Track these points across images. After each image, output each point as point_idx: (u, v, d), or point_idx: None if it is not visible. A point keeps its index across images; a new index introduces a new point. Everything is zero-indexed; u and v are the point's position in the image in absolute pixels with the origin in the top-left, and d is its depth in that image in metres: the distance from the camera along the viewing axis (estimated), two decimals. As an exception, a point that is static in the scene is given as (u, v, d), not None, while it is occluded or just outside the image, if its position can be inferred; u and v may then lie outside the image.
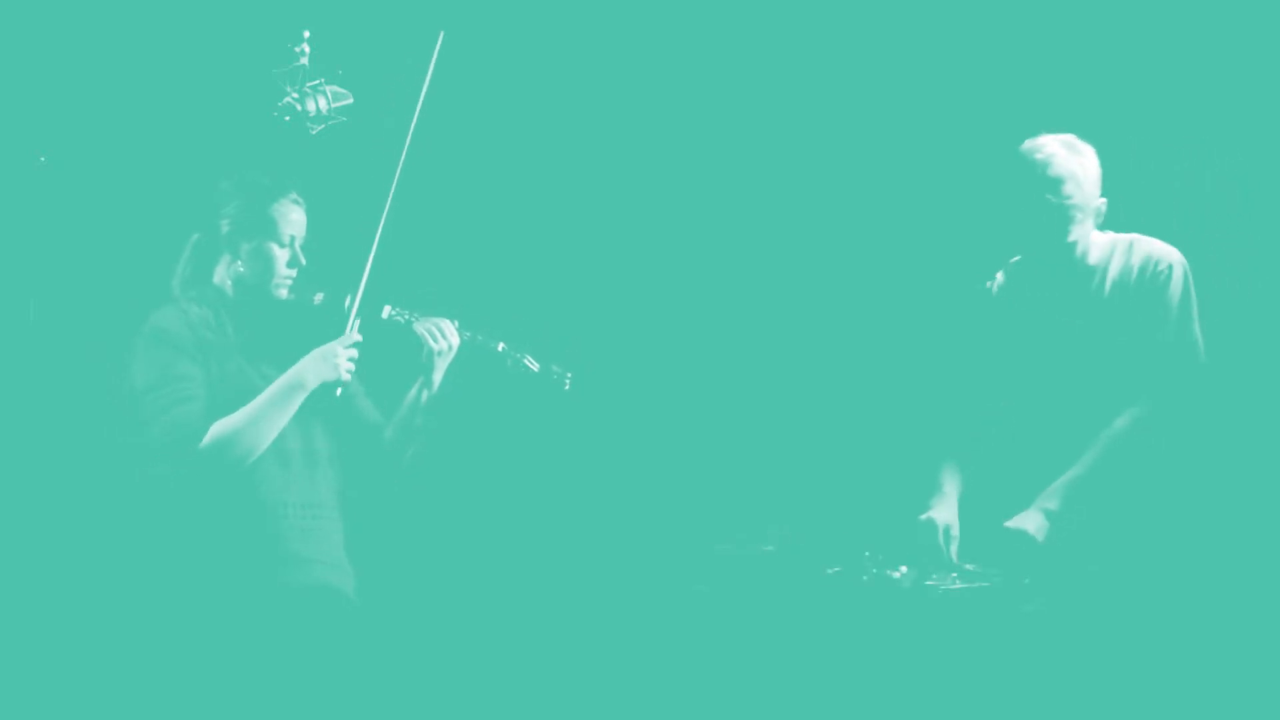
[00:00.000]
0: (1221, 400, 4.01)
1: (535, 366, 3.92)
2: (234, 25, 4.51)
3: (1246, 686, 3.77)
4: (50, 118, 4.41)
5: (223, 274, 3.85)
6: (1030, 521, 3.85)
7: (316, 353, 3.76)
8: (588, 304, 4.84)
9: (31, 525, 4.19)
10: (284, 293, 3.84)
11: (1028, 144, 3.91)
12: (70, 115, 4.45)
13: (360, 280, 3.80)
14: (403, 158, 3.86)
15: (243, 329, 3.81)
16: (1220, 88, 4.46)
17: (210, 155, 4.29)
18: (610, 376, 4.59)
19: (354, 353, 3.78)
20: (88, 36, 4.53)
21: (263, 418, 3.70)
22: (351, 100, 3.92)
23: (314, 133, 3.90)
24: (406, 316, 3.87)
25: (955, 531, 3.94)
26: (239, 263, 3.82)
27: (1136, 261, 3.95)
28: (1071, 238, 3.91)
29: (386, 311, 3.85)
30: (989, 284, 4.15)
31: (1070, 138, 3.92)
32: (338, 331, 3.79)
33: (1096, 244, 3.98)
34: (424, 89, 3.88)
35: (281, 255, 3.83)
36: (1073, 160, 3.88)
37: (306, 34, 3.90)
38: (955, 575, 3.82)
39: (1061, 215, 3.88)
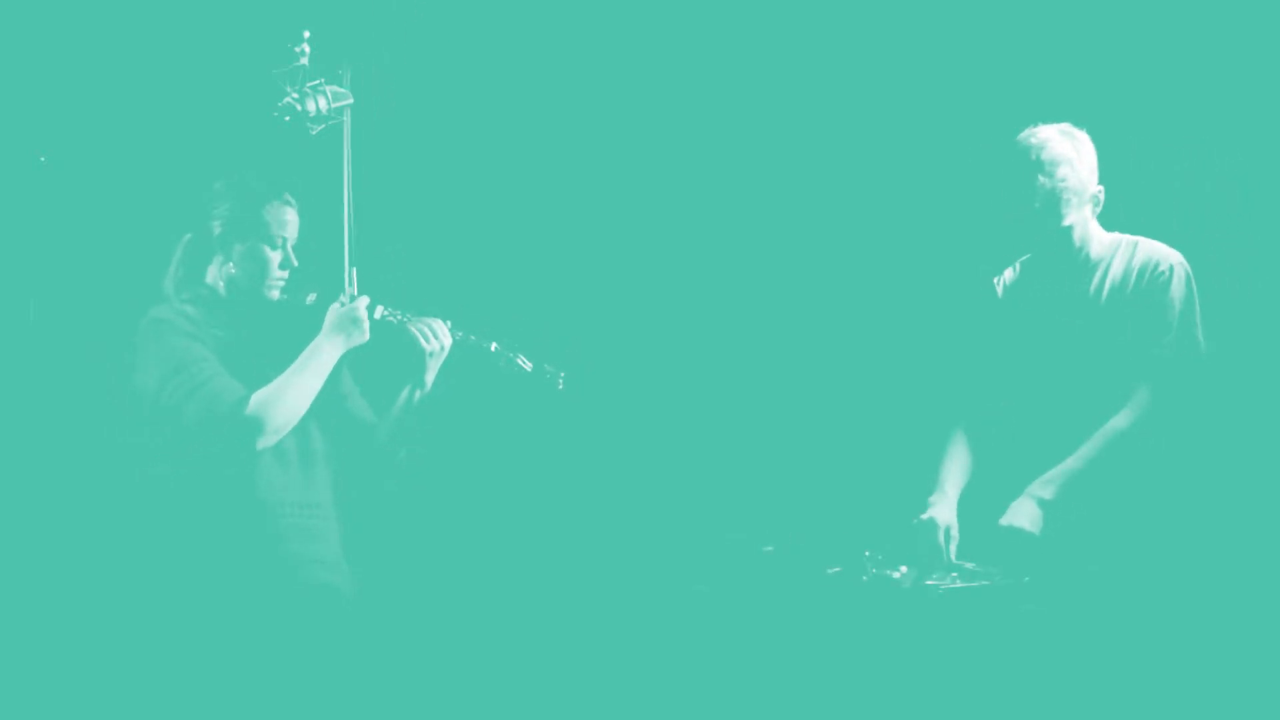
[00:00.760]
0: (1221, 399, 3.99)
1: (528, 366, 3.93)
2: (234, 25, 4.52)
3: (1246, 686, 3.75)
4: (50, 118, 4.43)
5: (215, 275, 3.86)
6: (1024, 514, 3.84)
7: (339, 316, 3.79)
8: (581, 303, 4.83)
9: (31, 525, 4.21)
10: (276, 294, 3.86)
11: (1024, 133, 3.94)
12: (70, 115, 4.47)
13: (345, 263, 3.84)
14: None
15: (235, 330, 3.83)
16: (1218, 86, 4.44)
17: (211, 156, 4.30)
18: (604, 376, 4.57)
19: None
20: (88, 37, 4.54)
21: (301, 382, 3.73)
22: (351, 100, 3.92)
23: (314, 133, 3.90)
24: (399, 317, 3.87)
25: (955, 532, 3.93)
26: (231, 264, 3.84)
27: (1138, 263, 3.94)
28: (1067, 221, 3.91)
29: (379, 312, 3.86)
30: (996, 280, 4.14)
31: (1065, 125, 3.94)
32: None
33: (1099, 240, 3.98)
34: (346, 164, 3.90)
35: (274, 256, 3.85)
36: (1066, 144, 3.90)
37: (306, 34, 3.91)
38: (955, 575, 3.81)
39: (1055, 198, 3.89)
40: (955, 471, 4.04)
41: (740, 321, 4.84)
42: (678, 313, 4.86)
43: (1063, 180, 3.88)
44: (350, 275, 3.85)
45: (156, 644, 3.70)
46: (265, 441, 3.70)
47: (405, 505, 4.39)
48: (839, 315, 4.78)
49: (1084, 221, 3.94)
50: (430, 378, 3.86)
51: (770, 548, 3.99)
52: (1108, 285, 3.95)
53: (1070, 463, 3.87)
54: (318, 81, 3.89)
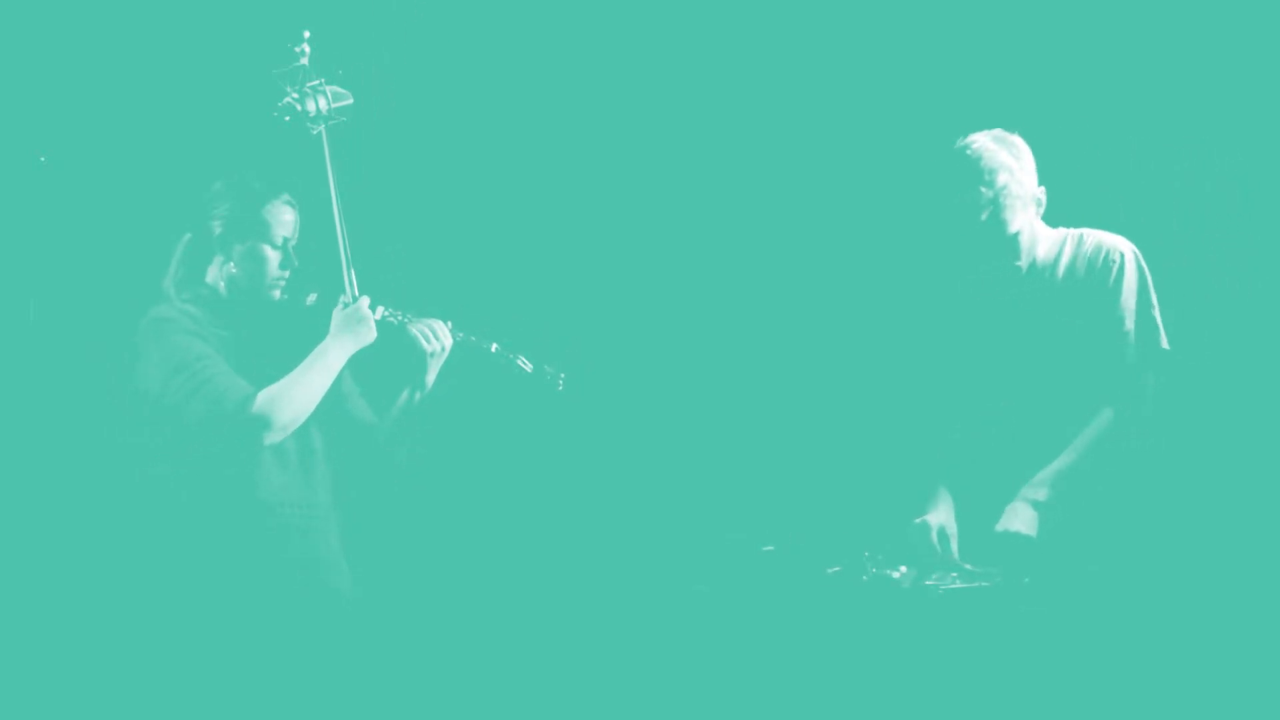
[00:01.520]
0: (1193, 390, 4.01)
1: (528, 367, 3.93)
2: (234, 25, 4.52)
3: (1246, 686, 3.75)
4: (50, 118, 4.43)
5: (215, 275, 3.86)
6: (1019, 518, 3.85)
7: (345, 316, 3.80)
8: (581, 304, 4.82)
9: (31, 525, 4.20)
10: (277, 294, 3.86)
11: (959, 143, 3.93)
12: (70, 115, 4.46)
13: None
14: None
15: (236, 330, 3.83)
16: (1180, 83, 4.45)
17: (211, 156, 4.30)
18: (604, 377, 4.57)
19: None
20: (88, 37, 4.54)
21: (309, 381, 3.73)
22: (351, 100, 3.93)
23: (314, 133, 3.91)
24: (400, 318, 3.88)
25: (951, 530, 3.93)
26: (231, 264, 3.84)
27: (1087, 252, 3.95)
28: (1013, 228, 3.91)
29: (380, 313, 3.86)
30: (949, 288, 4.13)
31: (999, 131, 3.94)
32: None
33: (1046, 239, 3.98)
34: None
35: (274, 257, 3.85)
36: (1002, 152, 3.89)
37: (306, 34, 3.91)
38: (955, 575, 3.81)
39: (998, 206, 3.88)
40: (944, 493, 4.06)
41: (739, 322, 4.83)
42: (677, 313, 4.85)
43: (1004, 188, 3.87)
44: (349, 277, 3.85)
45: (156, 644, 3.71)
46: (271, 438, 3.70)
47: (405, 505, 4.39)
48: (839, 315, 4.77)
49: (1029, 224, 3.94)
50: (431, 378, 3.87)
51: (770, 548, 3.99)
52: (1061, 278, 3.95)
53: (1059, 462, 3.88)
54: (318, 81, 3.90)
